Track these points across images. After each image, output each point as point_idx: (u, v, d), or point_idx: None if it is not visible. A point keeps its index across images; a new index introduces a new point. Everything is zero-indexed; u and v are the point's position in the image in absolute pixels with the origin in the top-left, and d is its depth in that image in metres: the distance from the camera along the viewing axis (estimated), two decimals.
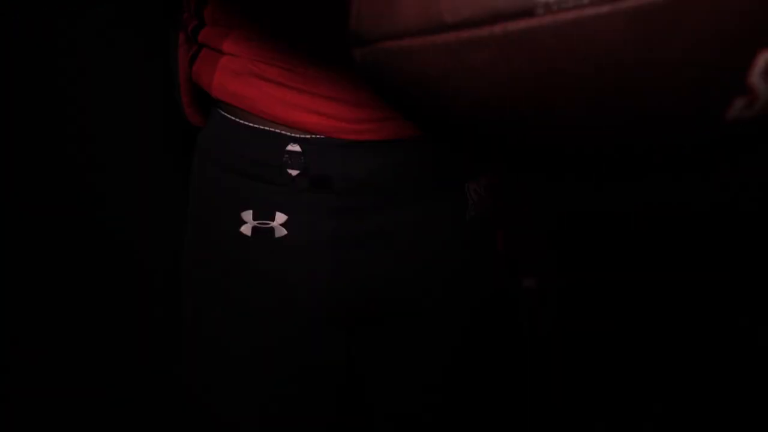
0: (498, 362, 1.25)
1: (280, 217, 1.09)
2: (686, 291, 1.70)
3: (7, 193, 1.48)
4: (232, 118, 1.10)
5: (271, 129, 1.07)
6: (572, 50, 0.41)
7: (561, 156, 0.47)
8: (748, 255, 1.69)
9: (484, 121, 0.45)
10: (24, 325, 1.53)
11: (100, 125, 1.50)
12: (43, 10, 1.41)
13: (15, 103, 1.45)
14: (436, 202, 1.14)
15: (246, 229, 1.09)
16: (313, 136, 1.07)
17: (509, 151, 0.49)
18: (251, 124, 1.08)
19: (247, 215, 1.09)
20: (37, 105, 1.47)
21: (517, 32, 0.41)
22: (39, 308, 1.53)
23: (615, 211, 1.68)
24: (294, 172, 1.08)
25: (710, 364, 1.74)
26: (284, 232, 1.09)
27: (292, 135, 1.07)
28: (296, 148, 1.07)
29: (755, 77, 0.43)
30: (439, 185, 1.14)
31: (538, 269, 1.39)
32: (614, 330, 1.76)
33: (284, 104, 1.06)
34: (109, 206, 1.53)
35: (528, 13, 0.41)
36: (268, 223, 1.09)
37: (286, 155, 1.07)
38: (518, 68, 0.42)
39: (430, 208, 1.14)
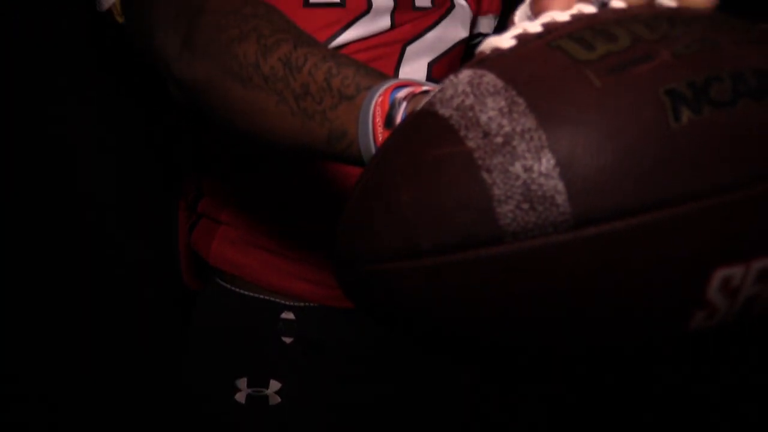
0: None
1: (275, 385, 1.10)
2: None
3: None
4: (229, 286, 1.13)
5: (267, 297, 1.10)
6: (539, 274, 0.44)
7: (534, 365, 0.50)
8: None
9: (461, 336, 0.48)
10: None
11: (103, 294, 1.53)
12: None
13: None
14: (432, 368, 1.16)
15: (240, 397, 1.11)
16: (307, 304, 1.10)
17: (488, 360, 0.51)
18: (247, 293, 1.11)
19: (242, 383, 1.11)
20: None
21: (487, 258, 0.45)
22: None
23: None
24: (288, 340, 1.10)
25: None
26: (278, 399, 1.10)
27: (287, 303, 1.10)
28: (290, 315, 1.10)
29: (713, 293, 0.46)
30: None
31: (537, 428, 1.39)
32: None
33: (279, 273, 1.09)
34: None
35: (497, 240, 0.44)
36: (263, 391, 1.10)
37: (281, 323, 1.10)
38: (489, 290, 0.45)
39: (425, 374, 1.15)
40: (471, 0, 1.20)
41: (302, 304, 1.10)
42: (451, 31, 1.16)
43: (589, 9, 0.53)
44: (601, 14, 0.52)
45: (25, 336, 1.48)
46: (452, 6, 1.16)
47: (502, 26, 1.34)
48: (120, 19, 0.99)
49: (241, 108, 0.75)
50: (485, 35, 1.34)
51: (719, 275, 0.46)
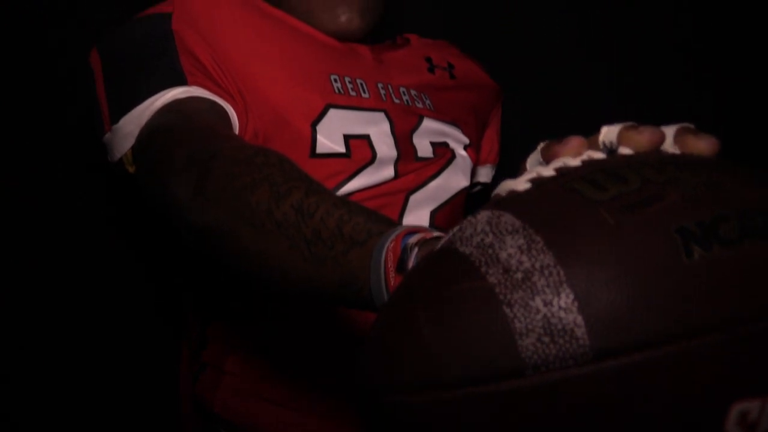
0: None
1: None
2: None
3: None
4: None
5: None
6: (559, 406, 0.45)
7: None
8: None
9: None
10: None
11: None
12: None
13: None
14: None
15: None
16: None
17: None
18: None
19: None
20: None
21: (509, 391, 0.45)
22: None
23: None
24: None
25: None
26: None
27: None
28: None
29: (731, 426, 0.47)
30: None
31: None
32: None
33: (285, 425, 1.08)
34: None
35: (518, 373, 0.45)
36: None
37: None
38: (510, 424, 0.45)
39: None
40: (471, 150, 1.24)
41: None
42: (452, 180, 1.19)
43: (599, 155, 0.56)
44: (610, 159, 0.54)
45: None
46: (453, 156, 1.20)
47: (498, 175, 1.38)
48: (131, 169, 1.01)
49: (253, 253, 0.76)
50: (484, 184, 1.38)
51: (737, 409, 0.47)
